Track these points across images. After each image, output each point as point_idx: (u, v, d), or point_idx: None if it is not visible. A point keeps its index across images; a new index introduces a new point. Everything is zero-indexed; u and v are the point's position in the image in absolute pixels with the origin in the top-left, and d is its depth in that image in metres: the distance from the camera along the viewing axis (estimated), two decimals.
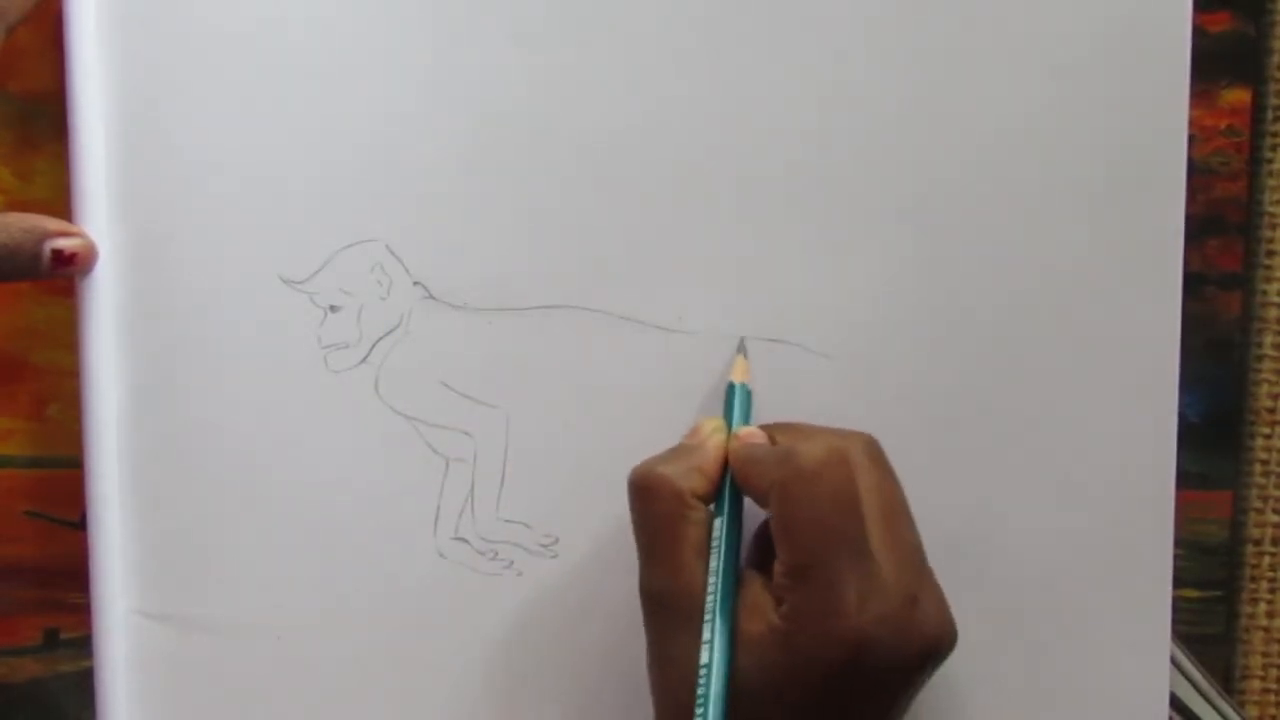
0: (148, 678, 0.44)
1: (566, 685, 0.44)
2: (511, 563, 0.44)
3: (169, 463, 0.44)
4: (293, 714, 0.44)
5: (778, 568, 0.38)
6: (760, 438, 0.41)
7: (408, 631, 0.44)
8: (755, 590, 0.38)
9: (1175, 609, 0.45)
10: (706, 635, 0.38)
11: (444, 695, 0.44)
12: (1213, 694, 0.47)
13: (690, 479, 0.40)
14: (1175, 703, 0.47)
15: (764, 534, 0.40)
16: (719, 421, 0.42)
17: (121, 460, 0.43)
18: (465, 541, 0.44)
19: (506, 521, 0.44)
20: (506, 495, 0.44)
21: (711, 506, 0.40)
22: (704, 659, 0.37)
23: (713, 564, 0.38)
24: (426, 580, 0.44)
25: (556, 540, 0.44)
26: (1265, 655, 0.48)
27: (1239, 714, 0.48)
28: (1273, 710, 0.48)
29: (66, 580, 0.46)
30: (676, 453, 0.41)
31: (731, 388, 0.43)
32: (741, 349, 0.43)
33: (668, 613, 0.39)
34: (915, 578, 0.38)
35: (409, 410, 0.44)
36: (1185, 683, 0.47)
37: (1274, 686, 0.48)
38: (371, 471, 0.44)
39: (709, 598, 0.38)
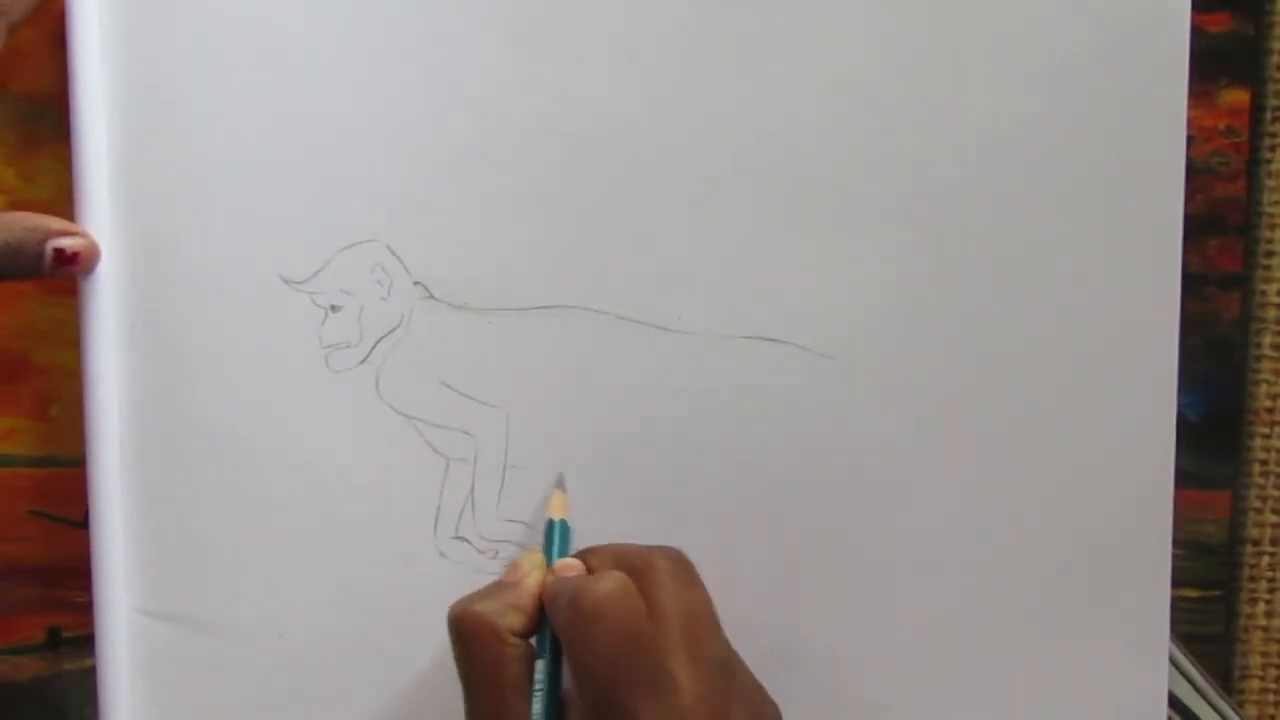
0: (150, 676, 0.44)
1: (566, 684, 0.44)
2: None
3: (171, 462, 0.44)
4: (293, 712, 0.44)
5: (580, 708, 0.38)
6: (576, 569, 0.41)
7: (409, 630, 0.44)
8: None
9: (1175, 609, 0.45)
10: None
11: (445, 694, 0.44)
12: (1212, 694, 0.47)
13: (507, 616, 0.39)
14: (1175, 703, 0.47)
15: None
16: (539, 557, 0.42)
17: (123, 459, 0.43)
18: (466, 541, 0.44)
19: (507, 521, 0.44)
20: (507, 495, 0.44)
21: (534, 641, 0.40)
22: None
23: (535, 708, 0.38)
24: (427, 580, 0.44)
25: None
26: (1264, 655, 0.48)
27: (1238, 714, 0.48)
28: (1272, 710, 0.48)
29: (69, 579, 0.46)
30: (494, 589, 0.41)
31: (550, 525, 0.43)
32: (560, 484, 0.44)
33: None
34: (722, 692, 0.37)
35: (409, 410, 0.44)
36: (1185, 682, 0.47)
37: (1273, 686, 0.48)
38: (372, 471, 0.44)
39: None
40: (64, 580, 0.46)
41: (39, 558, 0.46)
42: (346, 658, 0.44)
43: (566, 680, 0.39)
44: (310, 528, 0.44)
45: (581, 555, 0.42)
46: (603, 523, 0.44)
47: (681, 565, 0.40)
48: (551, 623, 0.39)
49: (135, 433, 0.44)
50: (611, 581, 0.38)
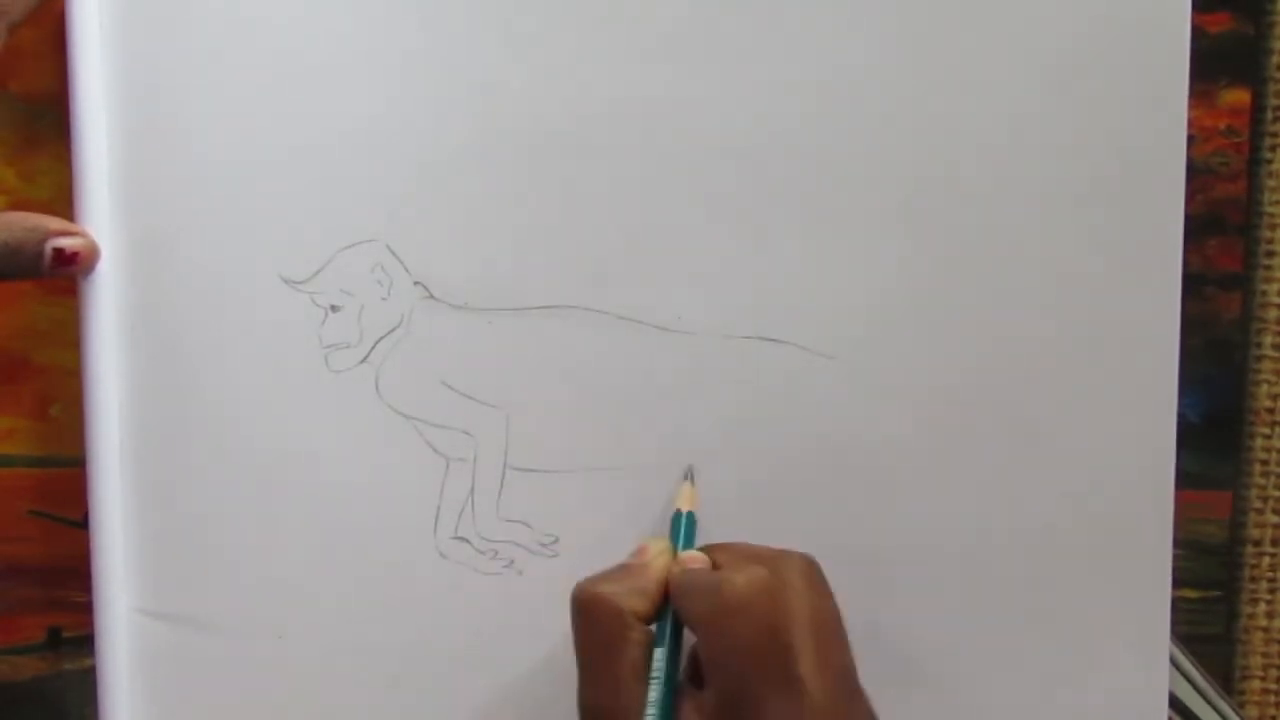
0: (149, 676, 0.44)
1: (566, 684, 0.44)
2: (512, 562, 0.44)
3: (171, 462, 0.44)
4: (293, 712, 0.44)
5: (708, 696, 0.38)
6: (701, 562, 0.41)
7: (408, 630, 0.44)
8: (689, 717, 0.38)
9: (1175, 609, 0.45)
10: None
11: (444, 694, 0.45)
12: (1212, 694, 0.47)
13: (631, 599, 0.39)
14: (1175, 703, 0.47)
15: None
16: (666, 543, 0.42)
17: (123, 459, 0.43)
18: (466, 541, 0.44)
19: (507, 521, 0.44)
20: (507, 495, 0.44)
21: (653, 627, 0.40)
22: None
23: (651, 694, 0.38)
24: (427, 579, 0.44)
25: (556, 540, 0.44)
26: (1265, 655, 0.48)
27: (1238, 714, 0.47)
28: (1272, 710, 0.48)
29: (69, 579, 0.46)
30: (620, 572, 0.41)
31: (678, 516, 0.43)
32: (689, 476, 0.44)
33: None
34: (845, 702, 0.38)
35: (409, 410, 0.44)
36: (1185, 683, 0.47)
37: (1274, 687, 0.48)
38: (372, 471, 0.44)
39: None
40: (64, 580, 0.46)
41: (39, 558, 0.46)
42: (346, 656, 0.44)
43: (680, 671, 0.39)
44: (310, 527, 0.44)
45: (708, 550, 0.42)
46: (602, 523, 0.44)
47: (813, 571, 0.40)
48: (683, 612, 0.39)
49: (135, 433, 0.44)
50: (756, 577, 0.38)
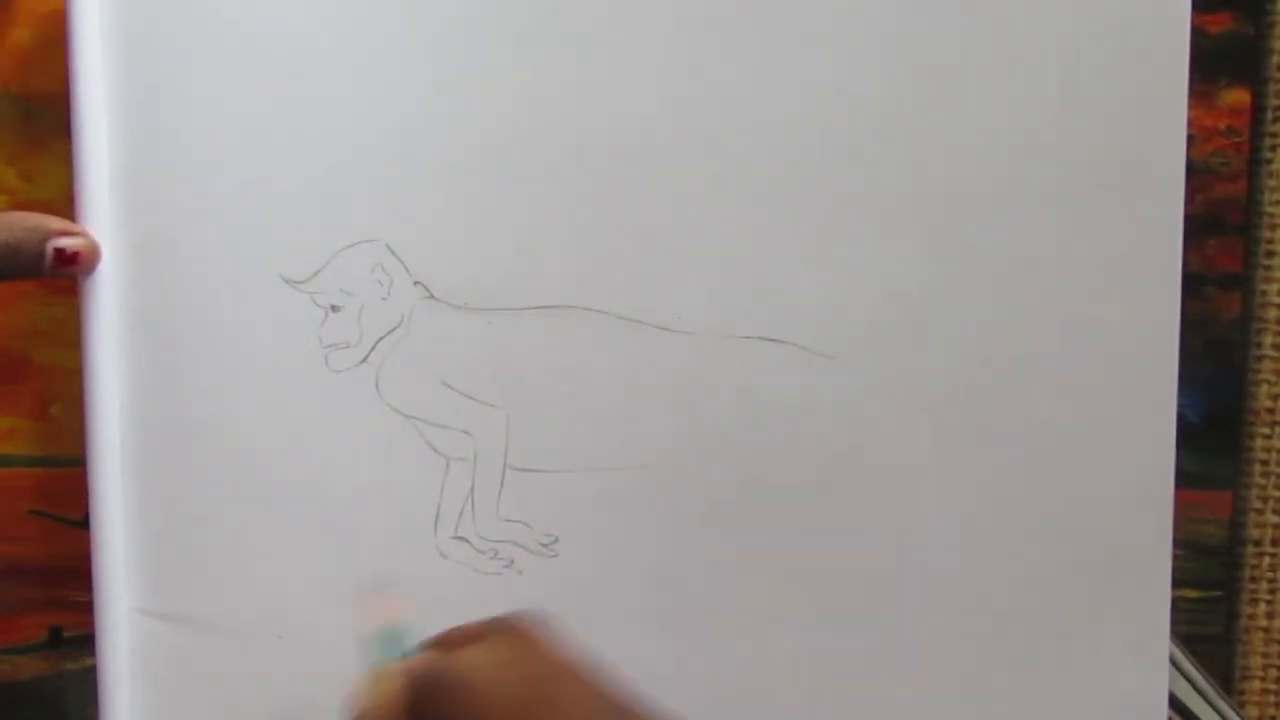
0: (150, 675, 0.44)
1: None
2: (511, 562, 0.45)
3: (171, 462, 0.44)
4: (294, 713, 0.44)
5: None
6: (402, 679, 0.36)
7: None
8: None
9: (1175, 609, 0.45)
10: None
11: None
12: (1212, 694, 0.47)
13: None
14: (1175, 703, 0.47)
15: None
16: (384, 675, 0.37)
17: (124, 459, 0.43)
18: (466, 541, 0.44)
19: (507, 521, 0.44)
20: (507, 495, 0.44)
21: None
22: None
23: None
24: (427, 579, 0.44)
25: (556, 540, 0.44)
26: (1265, 655, 0.48)
27: (1238, 714, 0.47)
28: (1272, 710, 0.48)
29: (70, 579, 0.46)
30: None
31: (383, 635, 0.38)
32: (380, 588, 0.39)
33: None
34: None
35: (409, 410, 0.44)
36: (1185, 683, 0.47)
37: (1273, 687, 0.48)
38: (372, 471, 0.44)
39: None
40: (65, 580, 0.46)
41: (39, 558, 0.47)
42: (346, 658, 0.44)
43: None
44: (310, 528, 0.44)
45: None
46: (602, 523, 0.44)
47: (523, 635, 0.36)
48: None
49: (136, 432, 0.43)
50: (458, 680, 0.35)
